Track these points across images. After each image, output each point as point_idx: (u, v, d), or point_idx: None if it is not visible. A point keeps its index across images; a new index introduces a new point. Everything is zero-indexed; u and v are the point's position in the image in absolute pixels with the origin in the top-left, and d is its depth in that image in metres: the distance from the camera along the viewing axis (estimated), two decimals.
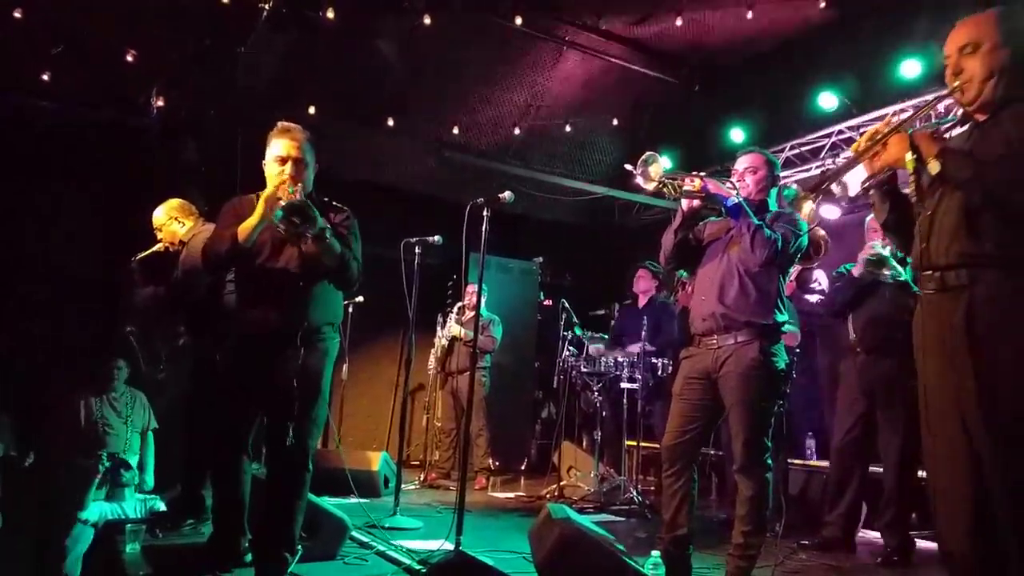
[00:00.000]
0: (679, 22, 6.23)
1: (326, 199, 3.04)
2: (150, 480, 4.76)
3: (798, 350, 4.77)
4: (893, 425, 3.96)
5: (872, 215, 3.96)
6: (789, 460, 5.13)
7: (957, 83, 2.07)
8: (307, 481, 2.91)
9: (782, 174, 6.83)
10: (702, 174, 3.16)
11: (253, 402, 2.95)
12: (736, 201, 3.02)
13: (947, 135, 2.18)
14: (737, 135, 7.16)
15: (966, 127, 2.16)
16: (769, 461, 3.03)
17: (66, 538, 3.76)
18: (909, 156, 1.99)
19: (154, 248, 4.10)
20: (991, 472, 1.92)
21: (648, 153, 3.10)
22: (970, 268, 1.97)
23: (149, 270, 4.08)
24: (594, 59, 6.82)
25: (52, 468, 4.51)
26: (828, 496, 4.31)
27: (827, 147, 6.49)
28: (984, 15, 2.07)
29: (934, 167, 1.97)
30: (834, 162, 6.33)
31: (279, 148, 2.91)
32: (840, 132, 6.36)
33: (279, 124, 2.98)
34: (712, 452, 5.22)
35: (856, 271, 4.11)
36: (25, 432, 4.82)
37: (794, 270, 4.61)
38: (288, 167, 2.87)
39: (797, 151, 6.83)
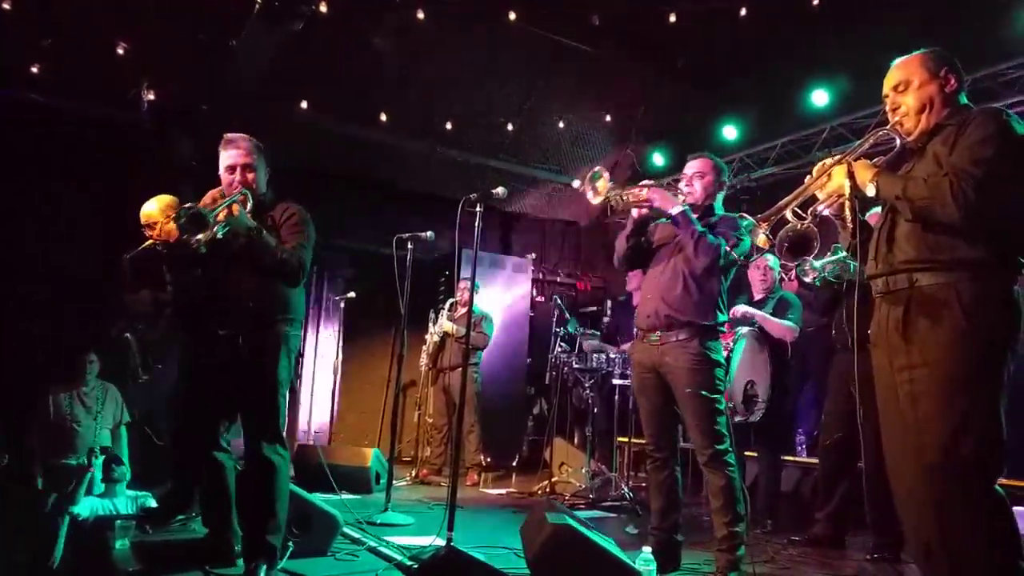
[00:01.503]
0: (672, 18, 6.22)
1: (275, 198, 3.17)
2: (126, 473, 4.73)
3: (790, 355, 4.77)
4: (871, 418, 3.97)
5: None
6: (781, 457, 5.14)
7: (896, 118, 2.36)
8: (274, 471, 2.93)
9: (773, 168, 6.94)
10: (650, 183, 3.40)
11: (212, 395, 3.05)
12: (679, 210, 3.22)
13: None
14: (730, 132, 7.18)
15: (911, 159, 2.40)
16: (730, 448, 3.22)
17: (47, 534, 3.74)
18: (847, 183, 2.27)
19: (145, 245, 4.06)
20: (913, 458, 2.16)
21: (594, 170, 3.31)
22: (909, 273, 2.22)
23: (138, 269, 4.04)
24: (587, 55, 6.81)
25: (24, 467, 4.46)
26: (819, 494, 4.34)
27: (819, 143, 6.51)
28: (912, 56, 2.37)
29: (870, 190, 2.25)
30: (829, 155, 6.35)
31: (226, 159, 3.10)
32: (832, 129, 6.38)
33: (224, 136, 3.15)
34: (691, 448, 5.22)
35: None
36: (8, 431, 4.79)
37: (791, 270, 4.64)
38: (237, 174, 3.06)
39: (789, 148, 6.85)
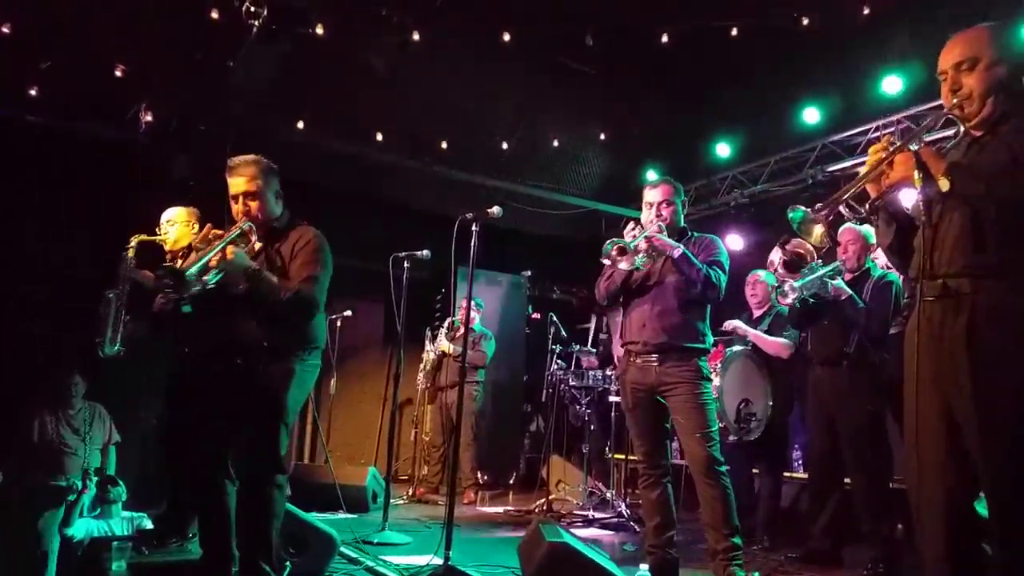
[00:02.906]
0: (664, 38, 6.30)
1: (290, 222, 3.09)
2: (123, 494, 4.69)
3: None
4: (850, 435, 4.00)
5: (843, 228, 4.07)
6: (783, 475, 5.14)
7: (956, 100, 2.09)
8: (271, 497, 2.87)
9: (766, 185, 6.99)
10: (645, 233, 3.37)
11: (217, 420, 2.98)
12: (680, 252, 3.34)
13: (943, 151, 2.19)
14: (723, 149, 7.25)
15: (961, 143, 2.18)
16: (721, 457, 3.28)
17: (36, 556, 3.71)
18: (916, 174, 1.99)
19: (157, 238, 4.02)
20: (983, 475, 1.95)
21: (620, 241, 3.34)
22: (973, 278, 2.00)
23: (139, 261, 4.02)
24: (582, 74, 6.87)
25: (8, 487, 4.38)
26: (812, 509, 4.34)
27: (811, 160, 6.58)
28: (977, 31, 2.10)
29: (944, 184, 1.95)
30: (820, 174, 6.42)
31: (231, 188, 3.02)
32: (824, 146, 6.45)
33: (228, 162, 3.04)
34: (684, 463, 5.22)
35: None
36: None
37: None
38: (240, 204, 2.98)
39: (782, 165, 6.92)
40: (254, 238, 2.93)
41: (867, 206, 2.18)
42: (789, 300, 4.09)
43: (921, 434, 2.07)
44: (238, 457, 2.95)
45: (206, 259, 2.75)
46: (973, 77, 2.06)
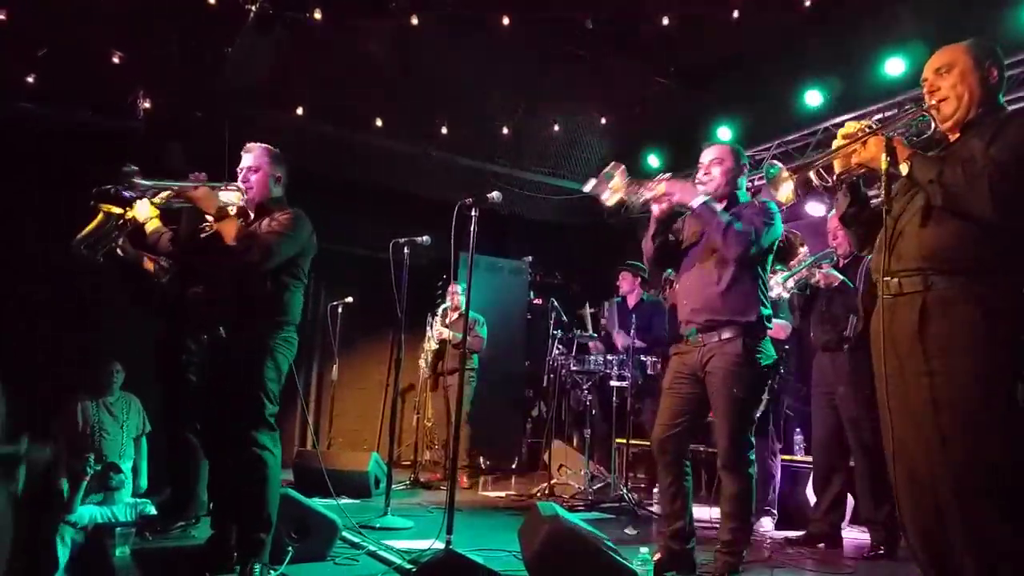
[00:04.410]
0: (665, 21, 6.25)
1: (280, 205, 3.23)
2: (144, 483, 4.74)
3: (787, 346, 4.80)
4: (853, 419, 4.01)
5: (832, 215, 4.08)
6: (780, 457, 5.16)
7: (934, 100, 2.28)
8: (257, 470, 2.93)
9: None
10: (667, 175, 3.21)
11: (213, 396, 3.13)
12: (700, 201, 3.06)
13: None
14: (724, 133, 7.20)
15: (934, 146, 2.34)
16: (752, 457, 3.09)
17: (56, 542, 3.73)
18: (884, 157, 2.15)
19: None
20: (935, 462, 2.09)
21: (605, 170, 3.15)
22: (925, 274, 2.17)
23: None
24: (582, 58, 6.83)
25: (51, 471, 4.44)
26: (814, 492, 4.36)
27: (813, 144, 6.54)
28: (957, 45, 2.31)
29: (904, 168, 2.16)
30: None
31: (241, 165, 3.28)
32: (826, 130, 6.41)
33: (246, 145, 3.31)
34: (703, 449, 5.24)
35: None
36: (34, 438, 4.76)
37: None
38: (241, 176, 3.23)
39: (784, 149, 6.88)
40: (241, 199, 3.15)
41: (835, 177, 2.34)
42: (773, 295, 4.09)
43: (893, 425, 2.21)
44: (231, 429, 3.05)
45: (174, 184, 3.07)
46: (950, 81, 2.26)
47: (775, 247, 3.26)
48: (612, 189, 3.14)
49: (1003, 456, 2.02)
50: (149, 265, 3.97)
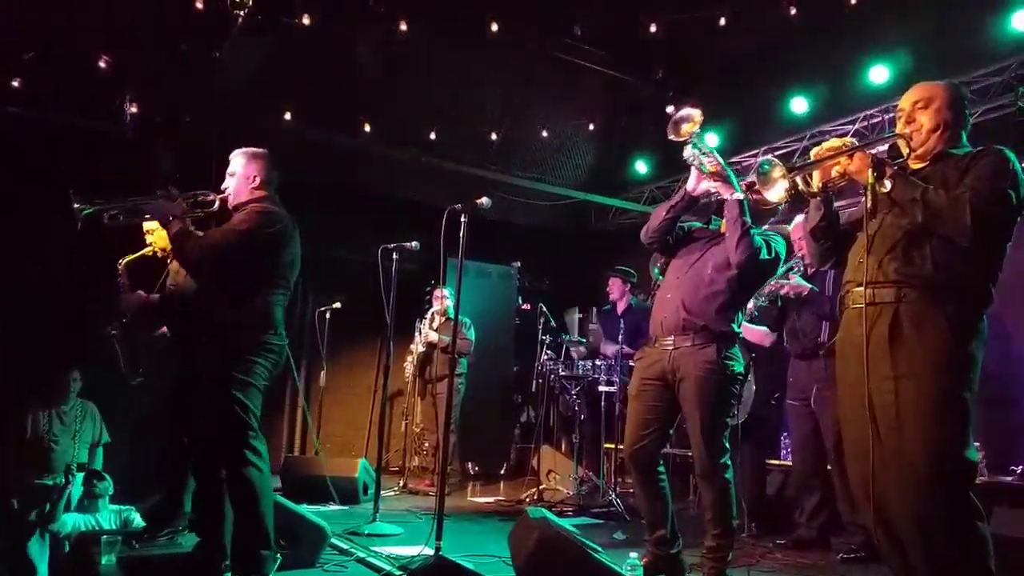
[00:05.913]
0: (653, 28, 6.30)
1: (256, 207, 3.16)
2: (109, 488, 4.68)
3: (753, 354, 4.81)
4: (829, 426, 4.04)
5: (794, 224, 4.09)
6: (766, 461, 5.19)
7: (908, 130, 2.43)
8: (241, 483, 2.87)
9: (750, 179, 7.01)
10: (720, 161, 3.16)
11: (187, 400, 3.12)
12: (741, 197, 3.05)
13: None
14: (711, 139, 7.24)
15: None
16: (728, 461, 3.12)
17: (25, 553, 3.70)
18: (871, 172, 2.28)
19: (143, 252, 4.00)
20: (892, 462, 2.21)
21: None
22: (899, 287, 2.29)
23: (133, 274, 4.00)
24: (570, 65, 6.86)
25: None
26: (797, 497, 4.39)
27: (799, 151, 6.58)
28: (935, 83, 2.48)
29: (887, 184, 2.29)
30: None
31: None
32: (812, 136, 6.46)
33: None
34: (677, 452, 5.25)
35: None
36: None
37: None
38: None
39: (770, 156, 6.93)
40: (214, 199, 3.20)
41: (819, 185, 2.44)
42: (748, 307, 4.12)
43: (849, 429, 2.40)
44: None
45: (137, 199, 3.17)
46: (926, 115, 2.41)
47: (768, 271, 3.29)
48: (679, 131, 3.14)
49: (955, 464, 2.16)
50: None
